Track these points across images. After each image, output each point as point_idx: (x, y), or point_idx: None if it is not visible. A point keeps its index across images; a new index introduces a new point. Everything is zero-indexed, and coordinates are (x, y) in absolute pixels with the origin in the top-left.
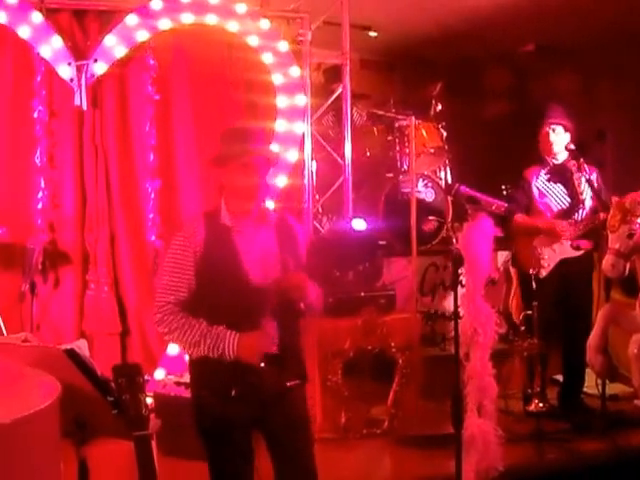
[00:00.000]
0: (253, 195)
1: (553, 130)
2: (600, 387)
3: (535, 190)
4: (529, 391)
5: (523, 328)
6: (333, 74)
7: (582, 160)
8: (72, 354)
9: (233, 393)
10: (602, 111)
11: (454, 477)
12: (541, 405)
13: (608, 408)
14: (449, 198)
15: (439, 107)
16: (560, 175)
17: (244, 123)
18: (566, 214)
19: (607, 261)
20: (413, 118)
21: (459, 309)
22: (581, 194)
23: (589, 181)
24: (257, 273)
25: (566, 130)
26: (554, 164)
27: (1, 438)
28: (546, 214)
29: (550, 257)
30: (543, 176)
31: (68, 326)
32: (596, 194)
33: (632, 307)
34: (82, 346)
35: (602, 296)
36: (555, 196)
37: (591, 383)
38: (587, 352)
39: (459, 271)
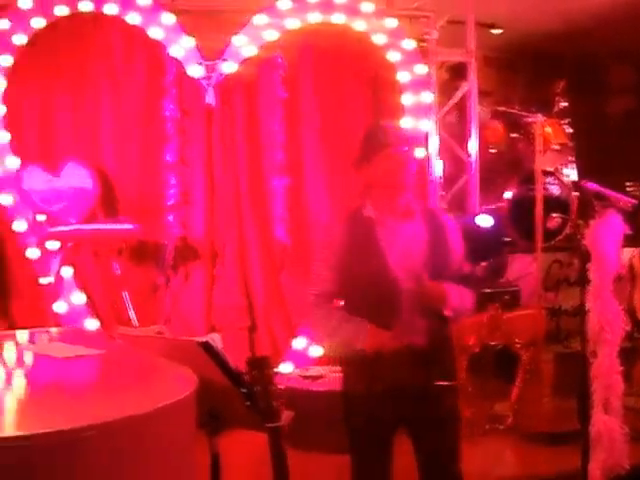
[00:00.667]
0: (399, 187)
1: None
2: None
3: None
4: None
5: None
6: (457, 71)
7: None
8: (207, 347)
9: (381, 391)
10: None
11: (579, 474)
12: None
13: None
14: (574, 195)
15: (563, 104)
16: None
17: (386, 121)
18: None
19: None
20: (540, 115)
21: (586, 306)
22: None
23: None
24: (400, 267)
25: None
26: None
27: (141, 427)
28: None
29: None
30: None
31: (197, 320)
32: None
33: None
34: (216, 339)
35: None
36: None
37: None
38: None
39: (586, 267)
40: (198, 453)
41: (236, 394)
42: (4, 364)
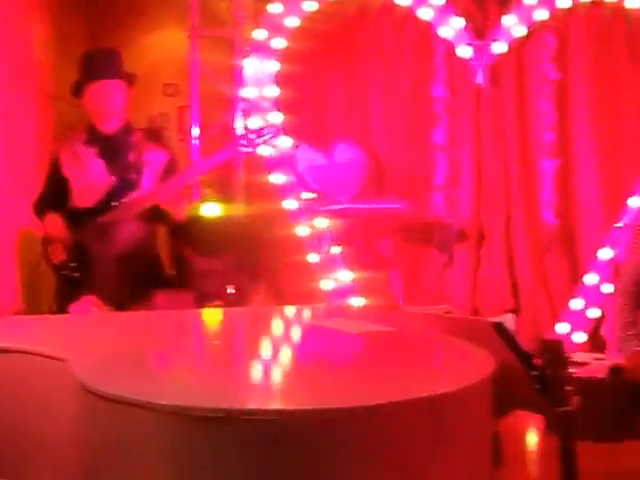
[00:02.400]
0: None
1: None
2: None
3: None
4: None
5: None
6: None
7: None
8: (500, 327)
9: None
10: None
11: None
12: None
13: None
14: None
15: None
16: None
17: None
18: None
19: None
20: None
21: None
22: None
23: None
24: None
25: None
26: None
27: (446, 407)
28: None
29: None
30: None
31: (463, 301)
32: None
33: None
34: (509, 320)
35: None
36: None
37: None
38: None
39: None
40: None
41: (527, 377)
42: (301, 339)
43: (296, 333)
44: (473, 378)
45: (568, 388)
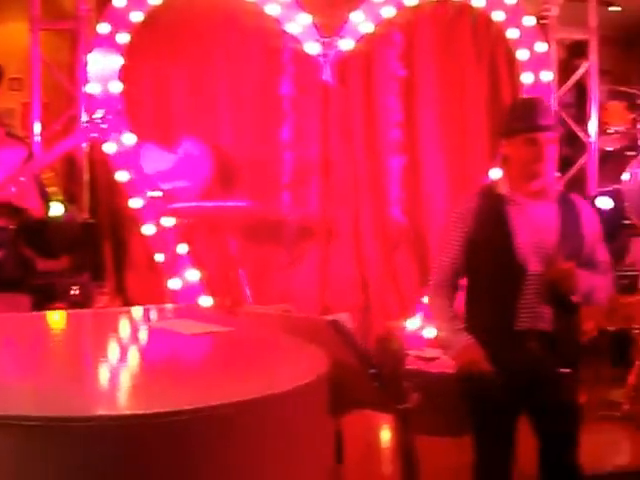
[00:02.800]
0: (537, 174)
1: None
2: None
3: None
4: None
5: None
6: (575, 50)
7: None
8: (337, 325)
9: (493, 375)
10: None
11: None
12: None
13: None
14: None
15: None
16: None
17: (537, 97)
18: None
19: None
20: None
21: None
22: None
23: None
24: (529, 247)
25: None
26: None
27: (276, 407)
28: None
29: None
30: None
31: (312, 299)
32: None
33: None
34: (346, 319)
35: None
36: None
37: None
38: None
39: None
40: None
41: (364, 375)
42: (131, 340)
43: (132, 335)
44: (306, 378)
45: (406, 385)
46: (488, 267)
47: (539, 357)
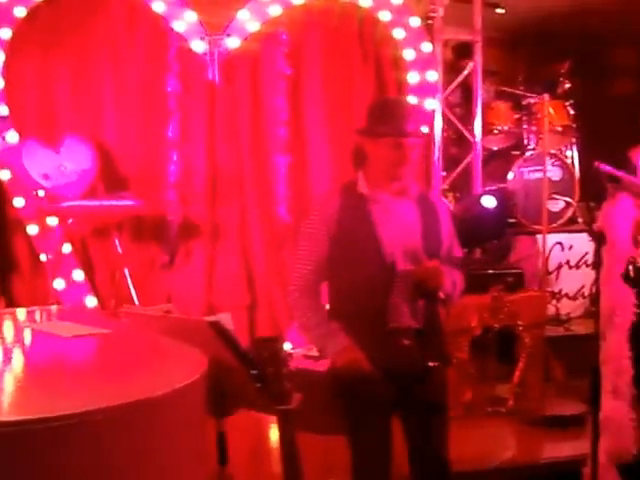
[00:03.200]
0: (399, 176)
1: None
2: None
3: None
4: None
5: None
6: (461, 51)
7: None
8: (217, 326)
9: (373, 374)
10: None
11: (583, 460)
12: None
13: None
14: (577, 177)
15: (567, 85)
16: None
17: (403, 98)
18: None
19: None
20: (546, 96)
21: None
22: None
23: None
24: (393, 245)
25: None
26: None
27: (149, 412)
28: None
29: None
30: None
31: (198, 298)
32: None
33: None
34: (226, 319)
35: None
36: None
37: None
38: None
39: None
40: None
41: (246, 376)
42: (9, 342)
43: (14, 338)
44: (183, 380)
45: (289, 386)
46: (355, 267)
47: (412, 354)
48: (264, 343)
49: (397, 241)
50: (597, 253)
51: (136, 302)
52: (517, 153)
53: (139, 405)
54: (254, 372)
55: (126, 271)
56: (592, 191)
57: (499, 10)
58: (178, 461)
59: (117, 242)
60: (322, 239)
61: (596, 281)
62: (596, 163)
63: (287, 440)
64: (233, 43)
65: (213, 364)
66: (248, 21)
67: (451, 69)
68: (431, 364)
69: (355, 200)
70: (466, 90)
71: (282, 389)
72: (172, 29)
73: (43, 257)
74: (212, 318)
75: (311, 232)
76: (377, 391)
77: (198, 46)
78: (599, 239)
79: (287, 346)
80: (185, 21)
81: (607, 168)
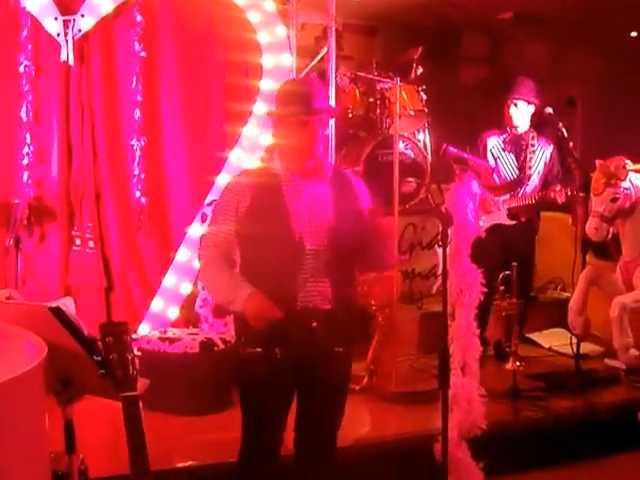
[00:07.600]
0: (309, 155)
1: (515, 105)
2: (574, 347)
3: (489, 155)
4: (507, 350)
5: (502, 288)
6: (323, 37)
7: (559, 132)
8: (58, 312)
9: (278, 354)
10: (573, 80)
11: (435, 434)
12: (518, 364)
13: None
14: (428, 159)
15: (420, 70)
16: (515, 145)
17: (311, 78)
18: (510, 187)
19: (590, 224)
20: (398, 80)
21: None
22: (529, 169)
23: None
24: (304, 226)
25: (529, 103)
26: (512, 133)
27: None
28: (494, 180)
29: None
30: (500, 143)
31: (53, 282)
32: (546, 172)
33: (612, 270)
34: (68, 304)
35: (578, 260)
36: (505, 165)
37: (564, 342)
38: (569, 314)
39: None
40: (51, 421)
41: (89, 362)
42: None
43: None
44: (17, 370)
45: (134, 371)
46: (264, 245)
47: (318, 337)
48: (109, 328)
49: (306, 220)
50: (444, 233)
51: None
52: (371, 136)
53: None
54: (97, 358)
55: None
56: (443, 173)
57: None
58: (16, 447)
59: None
60: (230, 215)
61: (444, 261)
62: (444, 146)
63: (132, 426)
64: (87, 24)
65: (57, 350)
66: (102, 2)
67: (311, 54)
68: (336, 349)
69: (270, 180)
70: (321, 74)
71: (126, 375)
72: (24, 9)
73: None
74: (52, 304)
75: (220, 207)
76: (276, 372)
77: (51, 26)
78: (446, 220)
79: (145, 328)
80: (38, 1)
81: (454, 151)
